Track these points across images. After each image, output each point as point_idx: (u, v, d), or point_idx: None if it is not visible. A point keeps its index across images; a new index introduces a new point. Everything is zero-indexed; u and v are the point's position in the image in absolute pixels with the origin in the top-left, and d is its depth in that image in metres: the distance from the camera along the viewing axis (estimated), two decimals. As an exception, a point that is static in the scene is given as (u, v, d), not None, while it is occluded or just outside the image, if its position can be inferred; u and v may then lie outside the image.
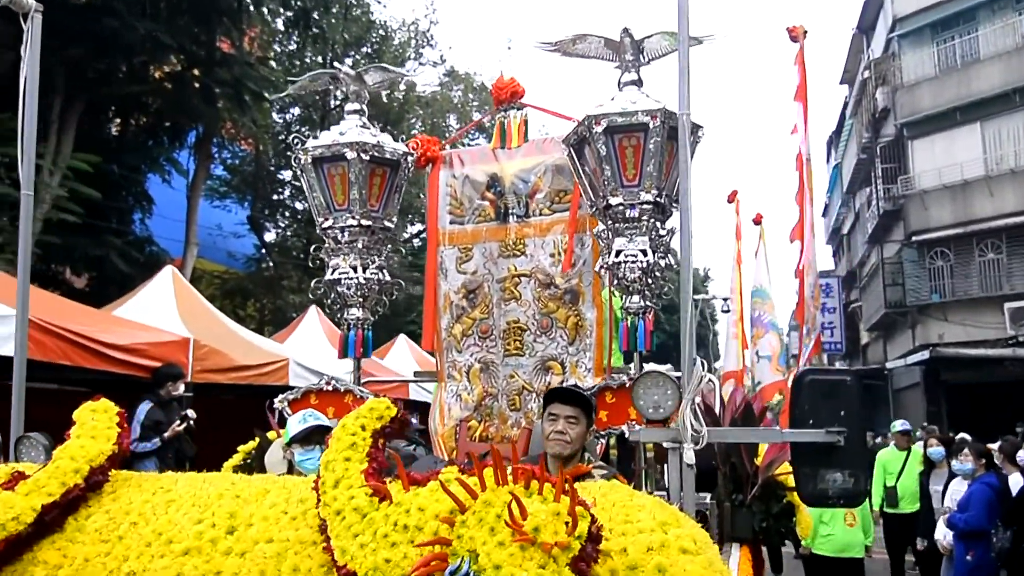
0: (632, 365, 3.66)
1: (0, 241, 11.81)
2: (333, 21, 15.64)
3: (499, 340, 4.19)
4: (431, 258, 4.39)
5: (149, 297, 9.29)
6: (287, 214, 19.84)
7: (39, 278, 13.33)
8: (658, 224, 3.52)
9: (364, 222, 3.77)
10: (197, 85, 13.32)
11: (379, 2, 18.86)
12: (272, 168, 18.91)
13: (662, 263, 3.54)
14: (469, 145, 24.15)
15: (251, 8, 13.71)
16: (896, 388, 25.42)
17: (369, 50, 17.91)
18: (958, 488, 7.40)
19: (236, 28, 12.90)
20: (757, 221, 10.49)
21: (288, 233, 20.05)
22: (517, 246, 4.19)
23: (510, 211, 4.24)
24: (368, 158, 3.71)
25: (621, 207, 3.49)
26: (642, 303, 3.49)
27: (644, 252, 3.45)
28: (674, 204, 3.58)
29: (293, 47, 16.53)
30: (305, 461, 2.99)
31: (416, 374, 6.68)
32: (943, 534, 7.03)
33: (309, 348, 10.63)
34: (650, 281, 3.50)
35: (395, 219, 4.01)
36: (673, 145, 3.51)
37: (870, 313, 27.24)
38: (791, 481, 2.94)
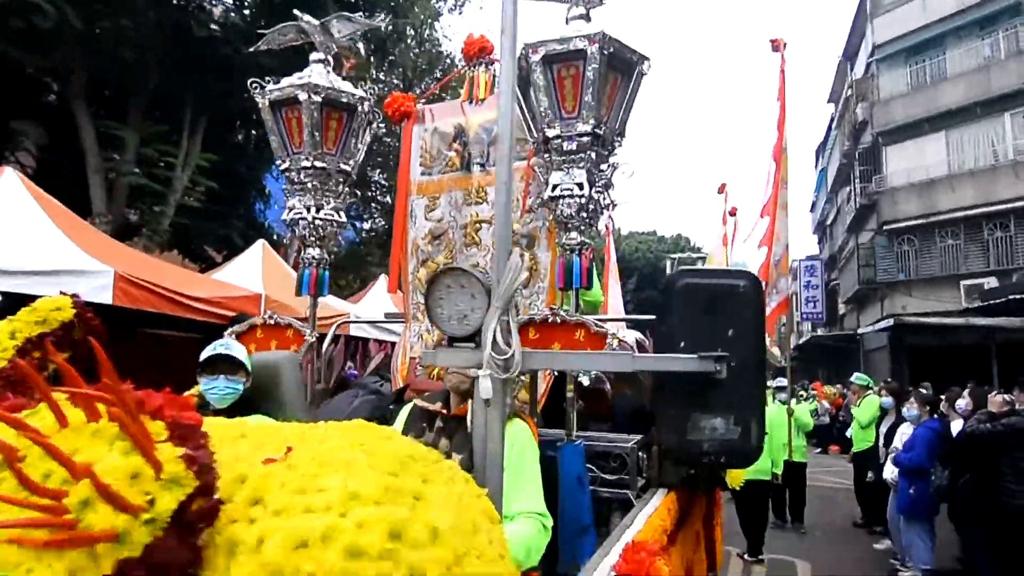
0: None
1: (141, 222, 11.65)
2: (404, 47, 14.88)
3: None
4: (400, 206, 3.51)
5: (242, 264, 8.86)
6: (376, 207, 19.24)
7: (187, 253, 13.23)
8: (598, 157, 2.58)
9: (318, 164, 2.90)
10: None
11: (446, 37, 17.64)
12: (367, 171, 18.40)
13: (601, 199, 2.59)
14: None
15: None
16: (866, 350, 23.93)
17: (440, 74, 17.13)
18: (906, 431, 6.43)
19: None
20: (732, 213, 9.62)
21: (378, 221, 19.47)
22: (479, 194, 3.28)
23: (473, 161, 3.33)
24: (321, 100, 2.86)
25: (558, 139, 2.53)
26: (579, 239, 2.56)
27: (581, 186, 2.52)
28: (618, 137, 2.63)
29: (373, 73, 15.75)
30: (208, 390, 2.19)
31: (386, 315, 5.83)
32: (891, 471, 6.04)
33: (374, 306, 10.04)
34: (587, 216, 2.58)
35: (354, 163, 3.14)
36: (617, 77, 2.56)
37: (847, 289, 25.83)
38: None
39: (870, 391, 8.25)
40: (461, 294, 1.38)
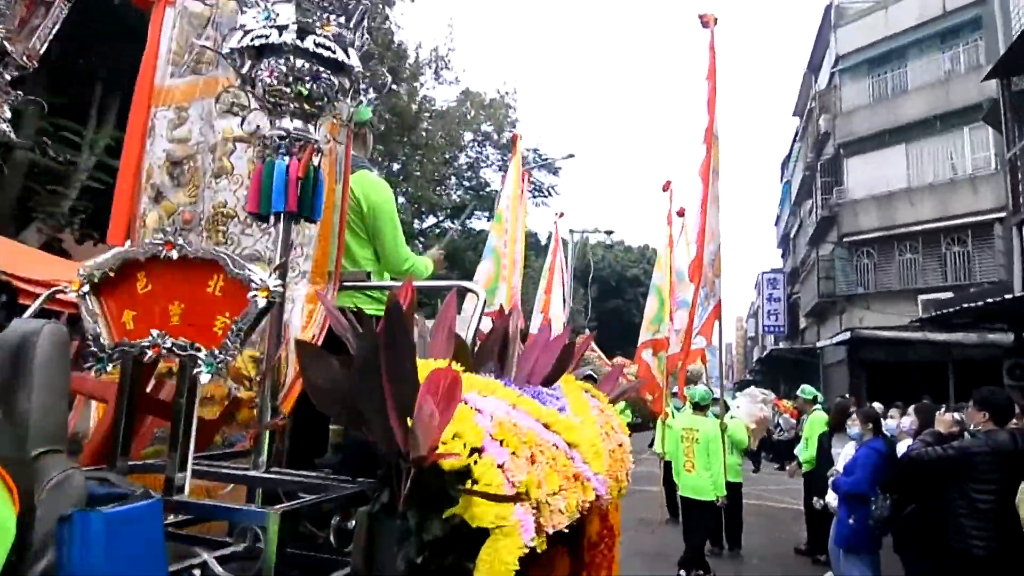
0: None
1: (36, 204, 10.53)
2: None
3: (204, 233, 2.21)
4: (137, 122, 2.35)
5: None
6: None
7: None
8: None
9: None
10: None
11: (398, 26, 16.76)
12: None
13: (339, 52, 1.62)
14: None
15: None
16: (826, 364, 23.53)
17: (387, 66, 16.32)
18: (849, 452, 5.73)
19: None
20: (680, 214, 8.86)
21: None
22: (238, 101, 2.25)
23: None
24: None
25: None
26: (296, 128, 1.58)
27: (284, 29, 1.52)
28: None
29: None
30: None
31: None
32: (832, 497, 5.30)
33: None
34: (312, 87, 1.59)
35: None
36: None
37: (807, 302, 25.44)
38: (487, 469, 1.22)
39: (817, 405, 7.58)
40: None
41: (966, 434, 4.11)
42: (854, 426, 5.05)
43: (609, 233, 30.21)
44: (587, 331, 35.79)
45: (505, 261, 6.09)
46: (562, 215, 10.99)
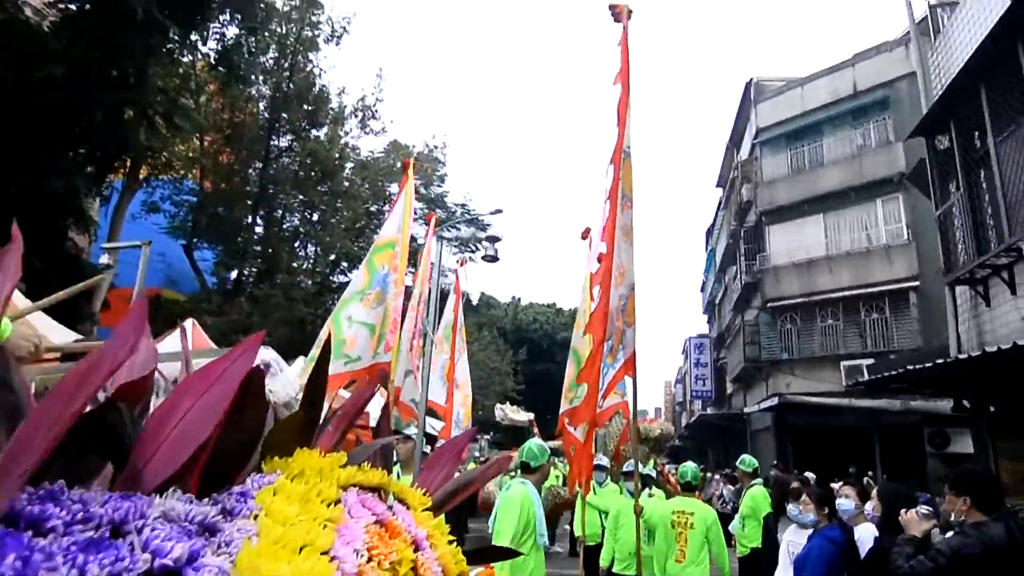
0: None
1: None
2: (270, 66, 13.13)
3: None
4: None
5: None
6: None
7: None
8: None
9: None
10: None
11: (321, 70, 15.97)
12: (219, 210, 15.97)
13: None
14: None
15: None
16: (753, 430, 23.27)
17: (308, 108, 15.42)
18: (794, 539, 4.83)
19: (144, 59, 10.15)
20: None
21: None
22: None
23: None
24: None
25: None
26: None
27: None
28: None
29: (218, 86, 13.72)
30: None
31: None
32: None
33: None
34: None
35: None
36: None
37: (733, 367, 25.38)
38: None
39: (758, 479, 6.73)
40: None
41: (943, 529, 3.29)
42: (808, 512, 4.17)
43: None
44: (516, 394, 34.52)
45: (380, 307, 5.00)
46: (464, 263, 10.07)
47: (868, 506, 4.39)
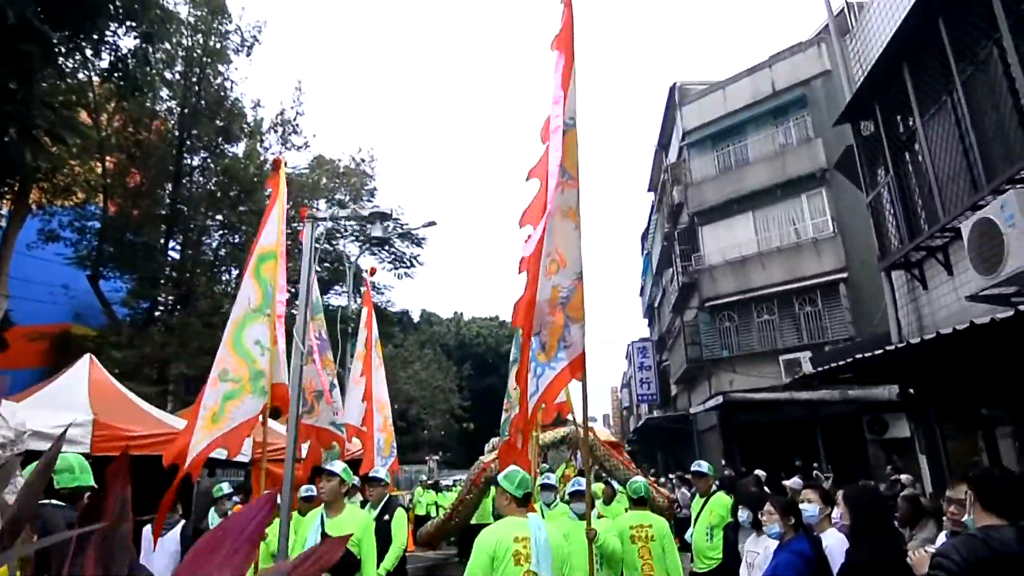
0: None
1: None
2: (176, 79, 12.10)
3: None
4: None
5: None
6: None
7: None
8: None
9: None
10: None
11: (232, 82, 14.97)
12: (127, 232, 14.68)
13: None
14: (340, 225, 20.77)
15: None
16: (699, 430, 23.30)
17: (220, 123, 14.38)
18: (755, 549, 4.43)
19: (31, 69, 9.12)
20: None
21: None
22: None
23: None
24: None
25: None
26: None
27: None
28: None
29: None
30: None
31: None
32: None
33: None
34: None
35: None
36: None
37: (676, 368, 25.43)
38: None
39: (716, 486, 6.30)
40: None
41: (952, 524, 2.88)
42: (773, 523, 3.73)
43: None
44: (462, 411, 33.64)
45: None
46: (374, 271, 9.38)
47: (836, 513, 4.00)
